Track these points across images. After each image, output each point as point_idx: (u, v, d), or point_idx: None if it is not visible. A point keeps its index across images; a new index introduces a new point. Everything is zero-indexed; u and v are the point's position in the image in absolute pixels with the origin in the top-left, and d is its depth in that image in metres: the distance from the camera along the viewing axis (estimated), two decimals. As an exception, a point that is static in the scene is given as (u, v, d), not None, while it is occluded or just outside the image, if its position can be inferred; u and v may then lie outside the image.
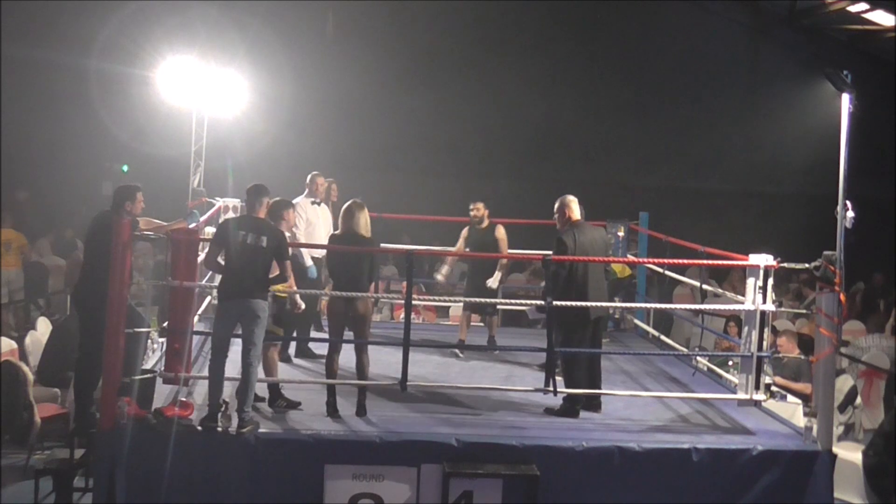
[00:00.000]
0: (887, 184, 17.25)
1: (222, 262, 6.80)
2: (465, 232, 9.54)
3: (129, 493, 6.35)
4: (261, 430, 6.53)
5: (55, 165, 17.52)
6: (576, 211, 7.58)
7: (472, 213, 9.40)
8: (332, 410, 7.03)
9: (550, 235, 7.82)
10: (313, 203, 9.14)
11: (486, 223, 9.37)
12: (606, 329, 8.35)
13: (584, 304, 7.34)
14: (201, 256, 7.55)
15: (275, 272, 6.77)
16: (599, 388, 7.61)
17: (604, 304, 7.45)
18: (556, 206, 7.66)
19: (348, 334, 7.35)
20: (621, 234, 10.50)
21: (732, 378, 8.52)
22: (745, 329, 7.36)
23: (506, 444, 6.64)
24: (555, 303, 7.25)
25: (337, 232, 7.60)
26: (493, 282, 9.15)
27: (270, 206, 7.13)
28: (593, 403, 7.55)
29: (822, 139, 9.40)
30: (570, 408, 7.44)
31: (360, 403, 7.11)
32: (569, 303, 7.46)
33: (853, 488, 7.96)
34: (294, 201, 8.94)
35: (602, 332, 7.85)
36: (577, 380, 7.47)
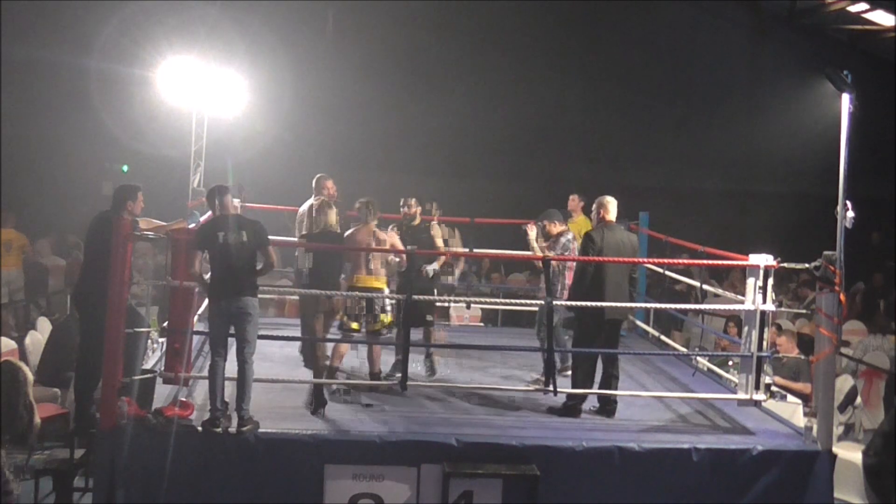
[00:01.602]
0: (887, 184, 17.24)
1: (206, 265, 6.84)
2: (394, 230, 8.76)
3: (129, 493, 6.35)
4: (261, 430, 6.54)
5: (55, 165, 17.51)
6: (611, 212, 7.68)
7: (402, 210, 8.79)
8: (318, 407, 7.13)
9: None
10: None
11: (418, 220, 8.77)
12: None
13: (584, 304, 7.35)
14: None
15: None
16: (614, 393, 7.58)
17: (605, 304, 7.44)
18: (594, 204, 7.76)
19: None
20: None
21: (732, 378, 8.51)
22: (745, 329, 7.36)
23: (506, 444, 6.65)
24: (555, 302, 7.30)
25: (316, 230, 7.74)
26: (431, 268, 8.61)
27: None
28: (606, 409, 7.54)
29: (822, 139, 9.40)
30: (573, 407, 7.44)
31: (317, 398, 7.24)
32: (567, 302, 7.47)
33: (853, 488, 7.96)
34: (305, 205, 8.96)
35: (616, 335, 7.79)
36: (582, 380, 7.48)
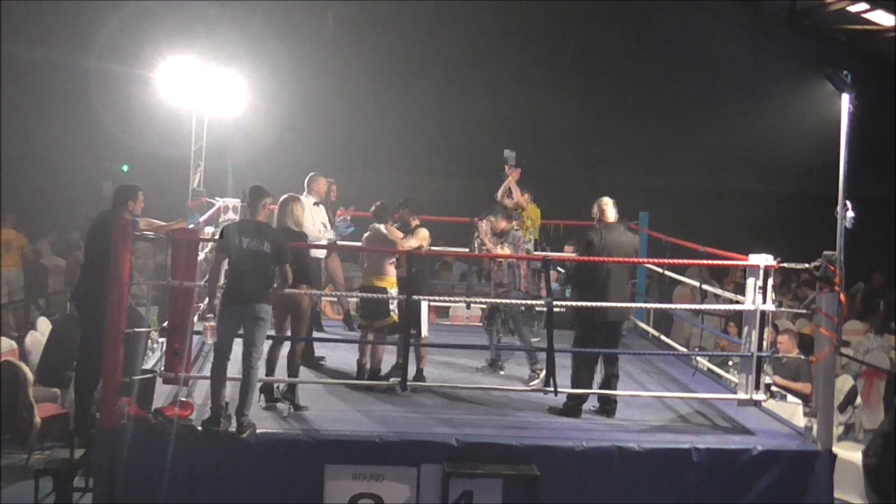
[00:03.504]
0: (887, 184, 17.24)
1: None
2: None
3: (129, 493, 6.35)
4: (261, 431, 6.53)
5: (55, 165, 17.52)
6: (609, 213, 7.70)
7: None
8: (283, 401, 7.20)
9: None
10: (315, 204, 9.12)
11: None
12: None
13: (585, 304, 7.36)
14: (201, 256, 7.54)
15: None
16: (614, 393, 7.58)
17: (607, 304, 7.42)
18: (594, 206, 7.78)
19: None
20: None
21: (732, 378, 8.51)
22: (745, 329, 7.36)
23: (506, 444, 6.64)
24: (555, 302, 7.30)
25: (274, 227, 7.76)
26: None
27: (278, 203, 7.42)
28: (606, 409, 7.54)
29: (822, 139, 9.41)
30: (573, 407, 7.45)
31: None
32: (568, 303, 7.47)
33: (853, 488, 7.96)
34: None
35: (619, 335, 7.78)
36: (582, 380, 7.49)
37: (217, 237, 6.94)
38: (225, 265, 6.86)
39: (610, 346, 7.60)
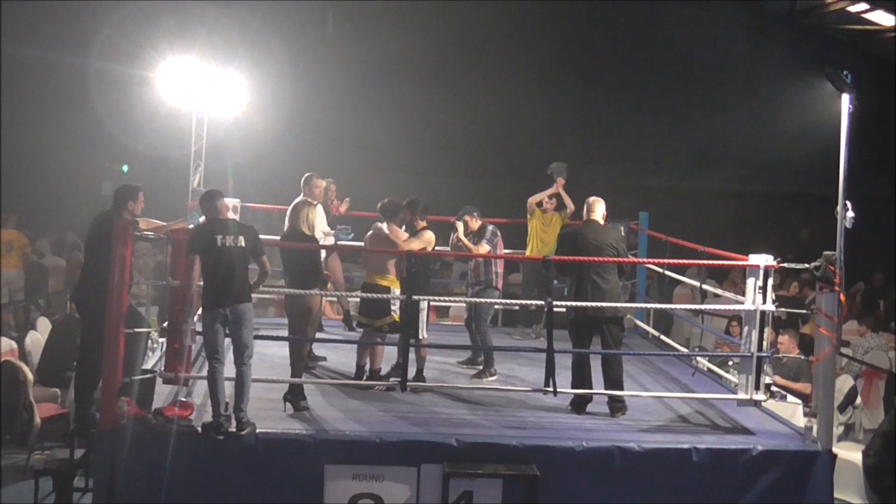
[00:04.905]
0: (887, 184, 17.25)
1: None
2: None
3: (129, 493, 6.35)
4: (261, 430, 6.53)
5: (55, 165, 17.52)
6: (596, 211, 7.74)
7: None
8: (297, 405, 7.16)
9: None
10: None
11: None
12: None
13: (585, 304, 7.36)
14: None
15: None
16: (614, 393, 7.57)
17: (599, 303, 7.42)
18: (584, 204, 7.85)
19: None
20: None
21: (732, 378, 8.52)
22: (745, 329, 7.36)
23: (506, 444, 6.65)
24: (555, 303, 7.30)
25: (285, 230, 7.86)
26: None
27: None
28: (611, 406, 7.51)
29: (822, 139, 9.39)
30: (578, 403, 7.52)
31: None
32: (570, 303, 7.46)
33: (853, 488, 7.96)
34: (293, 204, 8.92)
35: (612, 334, 7.73)
36: (576, 378, 7.51)
37: (189, 242, 6.84)
38: (197, 268, 6.82)
39: (603, 346, 7.58)
